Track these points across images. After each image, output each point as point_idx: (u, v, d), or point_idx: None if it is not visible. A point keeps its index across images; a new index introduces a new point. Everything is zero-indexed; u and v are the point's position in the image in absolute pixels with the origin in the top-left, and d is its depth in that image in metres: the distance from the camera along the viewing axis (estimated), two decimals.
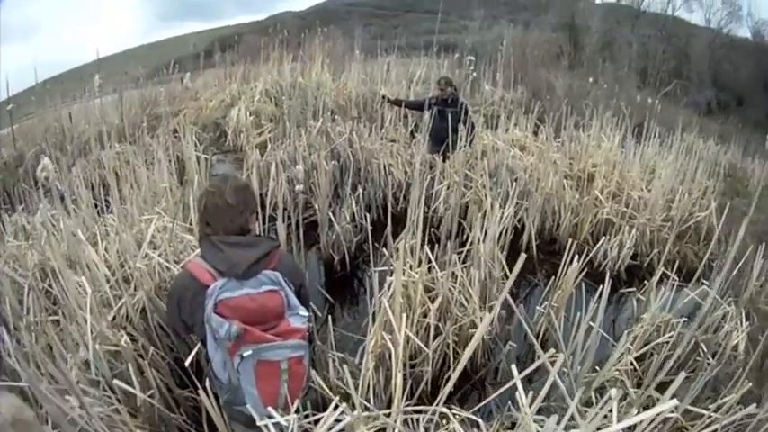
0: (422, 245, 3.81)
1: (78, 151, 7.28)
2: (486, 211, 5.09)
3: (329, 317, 3.55)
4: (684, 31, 29.81)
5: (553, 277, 4.42)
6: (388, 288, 3.46)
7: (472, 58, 5.33)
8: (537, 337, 4.26)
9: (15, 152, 8.63)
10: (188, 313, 2.28)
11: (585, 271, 4.26)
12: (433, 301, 3.68)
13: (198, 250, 2.91)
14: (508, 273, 4.34)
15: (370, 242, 3.77)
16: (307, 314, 2.33)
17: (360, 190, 5.82)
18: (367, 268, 5.42)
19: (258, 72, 11.78)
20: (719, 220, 6.56)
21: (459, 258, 4.03)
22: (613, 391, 2.05)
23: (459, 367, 2.05)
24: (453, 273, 3.83)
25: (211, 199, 2.26)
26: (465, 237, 5.30)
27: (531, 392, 2.44)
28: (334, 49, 12.43)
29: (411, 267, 3.75)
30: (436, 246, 4.07)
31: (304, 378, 2.32)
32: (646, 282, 5.38)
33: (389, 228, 3.65)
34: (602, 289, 3.38)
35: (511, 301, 3.14)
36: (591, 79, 13.51)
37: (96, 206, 4.71)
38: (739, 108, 25.88)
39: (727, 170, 8.52)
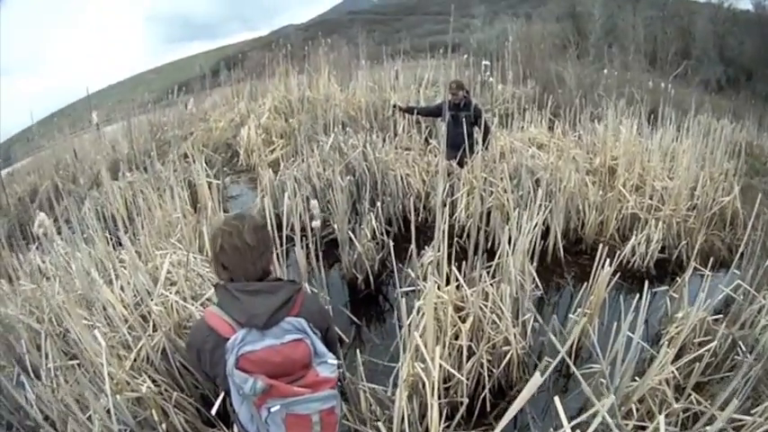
0: (448, 259, 3.67)
1: (90, 183, 7.24)
2: (510, 218, 5.01)
3: (356, 342, 3.46)
4: (686, 8, 29.47)
5: (584, 282, 4.28)
6: (417, 312, 3.36)
7: (488, 62, 5.18)
8: (572, 346, 4.13)
9: (29, 186, 8.67)
10: (209, 366, 2.13)
11: (615, 269, 4.09)
12: (464, 321, 3.58)
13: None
14: (539, 284, 4.25)
15: (394, 262, 3.62)
16: (335, 362, 2.17)
17: (378, 204, 5.68)
18: (392, 287, 5.34)
19: (265, 88, 11.79)
20: (743, 203, 6.43)
21: (488, 273, 3.89)
22: (662, 420, 1.95)
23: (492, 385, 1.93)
24: (483, 289, 3.71)
25: (228, 239, 2.05)
26: (489, 245, 5.20)
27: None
28: (339, 58, 12.39)
29: (438, 287, 3.63)
30: (463, 262, 3.94)
31: (336, 426, 2.17)
32: (676, 276, 5.29)
33: (414, 246, 3.52)
34: (638, 300, 3.25)
35: (540, 320, 3.02)
36: (601, 68, 13.37)
37: (110, 241, 4.67)
38: (749, 82, 25.53)
39: (744, 148, 8.33)
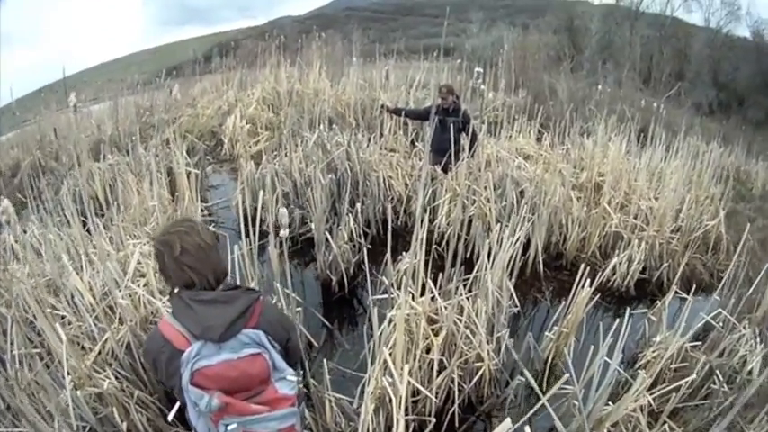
0: (425, 268, 3.55)
1: (72, 162, 7.09)
2: (491, 228, 4.89)
3: (327, 346, 3.34)
4: (684, 31, 29.66)
5: (562, 298, 4.19)
6: (388, 324, 3.23)
7: (480, 69, 5.05)
8: (546, 363, 4.04)
9: (11, 161, 8.49)
10: (165, 377, 1.98)
11: (594, 287, 4.01)
12: (436, 334, 3.45)
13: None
14: (516, 300, 4.13)
15: (368, 268, 3.47)
16: (295, 378, 2.07)
17: (358, 205, 5.55)
18: (367, 291, 5.17)
19: (255, 78, 11.64)
20: (728, 228, 6.39)
21: (465, 286, 3.76)
22: None
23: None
24: (459, 303, 3.58)
25: (189, 239, 1.91)
26: (469, 254, 5.09)
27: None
28: (332, 53, 12.27)
29: (413, 297, 3.50)
30: (440, 272, 3.80)
31: None
32: (656, 298, 5.25)
33: (389, 254, 3.39)
34: (617, 322, 3.15)
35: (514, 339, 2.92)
36: (594, 83, 13.35)
37: (85, 225, 4.46)
38: (740, 108, 25.75)
39: (731, 173, 8.30)
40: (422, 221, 3.22)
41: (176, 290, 1.95)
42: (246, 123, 9.12)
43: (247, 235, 3.64)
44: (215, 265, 1.96)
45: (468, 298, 3.66)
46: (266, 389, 1.97)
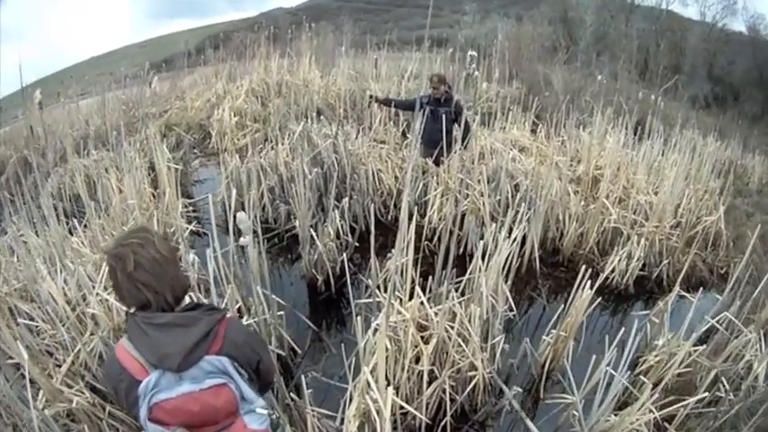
0: (414, 266, 3.30)
1: (58, 158, 6.89)
2: (484, 223, 4.67)
3: (312, 349, 3.12)
4: (679, 24, 29.56)
5: (558, 297, 3.98)
6: (373, 334, 2.98)
7: (474, 53, 4.78)
8: (543, 367, 3.82)
9: None
10: (126, 406, 1.75)
11: (584, 269, 3.73)
12: (426, 343, 3.20)
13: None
14: (512, 304, 3.88)
15: (347, 269, 3.22)
16: (265, 411, 1.85)
17: (346, 200, 5.32)
18: (355, 288, 4.91)
19: (245, 70, 11.45)
20: (726, 224, 6.21)
21: (457, 290, 3.52)
22: None
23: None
24: (450, 308, 3.33)
25: (143, 252, 1.65)
26: (462, 250, 4.87)
27: None
28: (323, 44, 12.10)
29: (401, 302, 3.25)
30: (430, 272, 3.54)
31: None
32: (655, 295, 5.23)
33: (373, 256, 3.15)
34: (623, 331, 2.95)
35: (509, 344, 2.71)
36: (591, 75, 13.18)
37: (68, 223, 4.45)
38: (736, 102, 25.69)
39: (728, 168, 8.12)
40: (411, 217, 2.99)
41: (132, 309, 1.71)
42: (235, 115, 8.90)
43: (227, 233, 3.42)
44: (173, 282, 1.70)
45: (460, 303, 3.41)
46: (234, 422, 1.77)
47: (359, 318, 2.55)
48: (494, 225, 3.85)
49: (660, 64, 21.15)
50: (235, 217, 3.16)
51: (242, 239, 3.09)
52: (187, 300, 1.83)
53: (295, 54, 11.10)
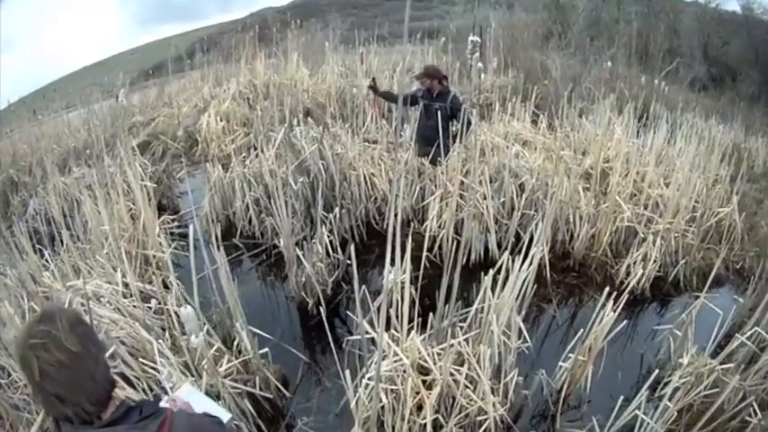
0: (413, 281, 2.88)
1: (39, 177, 6.61)
2: (488, 229, 4.28)
3: (303, 383, 2.73)
4: (671, 6, 29.30)
5: (570, 305, 3.57)
6: (365, 389, 2.60)
7: (477, 38, 4.38)
8: (560, 392, 3.43)
9: None
10: None
11: (607, 290, 3.36)
12: (429, 388, 2.79)
13: None
14: (527, 337, 3.40)
15: (342, 289, 2.83)
16: None
17: (336, 210, 4.93)
18: (350, 310, 4.46)
19: (232, 72, 11.17)
20: (741, 215, 5.95)
21: (462, 328, 3.10)
22: None
23: None
24: (455, 347, 2.92)
25: (46, 357, 1.26)
26: (465, 259, 4.50)
27: None
28: (311, 42, 11.81)
29: (397, 342, 2.84)
30: (432, 292, 3.11)
31: None
32: (672, 297, 5.04)
33: (366, 289, 2.74)
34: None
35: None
36: (585, 61, 12.85)
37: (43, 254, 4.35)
38: (733, 83, 25.46)
39: (735, 153, 7.75)
40: (408, 224, 2.59)
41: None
42: (221, 120, 8.59)
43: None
44: (89, 384, 1.32)
45: (467, 340, 3.00)
46: None
47: (348, 356, 2.17)
48: (506, 256, 3.34)
49: (659, 47, 20.82)
50: (224, 233, 2.78)
51: (192, 339, 2.66)
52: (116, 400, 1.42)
53: (282, 53, 10.81)
